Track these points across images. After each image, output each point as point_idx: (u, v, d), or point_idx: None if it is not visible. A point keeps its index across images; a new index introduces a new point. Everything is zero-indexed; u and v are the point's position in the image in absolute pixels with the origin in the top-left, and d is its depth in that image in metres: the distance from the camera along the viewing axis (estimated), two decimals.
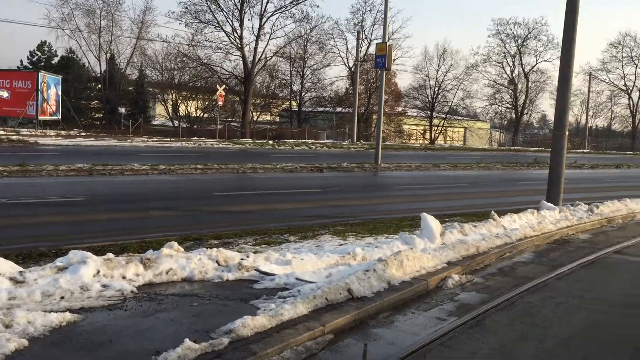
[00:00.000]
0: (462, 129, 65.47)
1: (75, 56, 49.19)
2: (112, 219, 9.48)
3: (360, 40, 47.52)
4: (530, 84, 63.03)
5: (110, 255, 5.58)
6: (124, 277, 5.23)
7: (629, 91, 70.45)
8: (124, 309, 4.60)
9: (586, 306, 5.70)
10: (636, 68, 69.23)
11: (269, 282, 5.52)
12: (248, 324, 4.14)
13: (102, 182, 13.89)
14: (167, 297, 5.00)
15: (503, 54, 61.83)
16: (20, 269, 4.94)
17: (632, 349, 4.60)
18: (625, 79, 69.98)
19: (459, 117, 64.22)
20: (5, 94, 29.60)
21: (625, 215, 11.94)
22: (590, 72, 68.11)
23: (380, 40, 29.33)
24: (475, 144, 61.19)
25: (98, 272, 5.13)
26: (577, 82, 67.73)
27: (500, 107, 66.26)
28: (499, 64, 62.39)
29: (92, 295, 4.78)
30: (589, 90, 68.57)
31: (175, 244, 6.10)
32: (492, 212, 9.41)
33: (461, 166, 26.02)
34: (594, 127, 78.53)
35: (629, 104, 71.50)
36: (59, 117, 36.94)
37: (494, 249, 7.80)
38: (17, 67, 47.74)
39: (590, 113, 72.54)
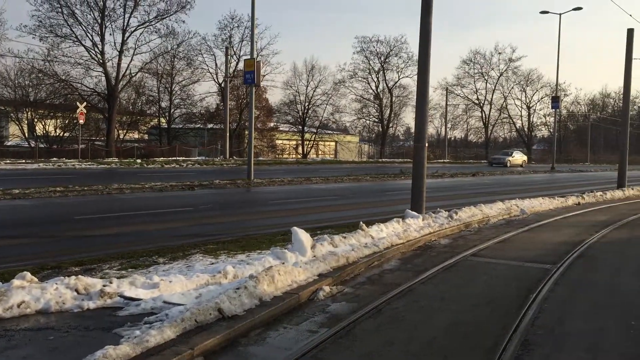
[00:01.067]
0: (333, 143, 67.41)
1: None
2: None
3: (230, 56, 47.47)
4: (394, 99, 66.47)
5: None
6: None
7: (481, 104, 76.84)
8: None
9: (448, 307, 6.05)
10: (486, 83, 75.82)
11: (135, 308, 5.27)
12: (110, 354, 3.91)
13: None
14: (19, 332, 4.60)
15: (368, 70, 64.73)
16: None
17: (491, 344, 4.94)
18: (478, 93, 76.35)
19: (329, 132, 66.04)
20: None
21: (480, 219, 12.89)
22: (447, 87, 73.56)
23: (248, 56, 29.43)
24: (346, 157, 63.19)
25: None
26: (436, 96, 72.94)
27: (367, 121, 69.25)
28: (365, 80, 65.21)
29: None
30: (446, 104, 73.83)
31: (27, 274, 5.63)
32: (361, 222, 9.73)
33: (333, 179, 26.72)
34: (452, 139, 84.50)
35: (482, 116, 77.89)
36: None
37: (363, 259, 8.05)
38: None
39: (449, 125, 78.04)
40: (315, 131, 61.36)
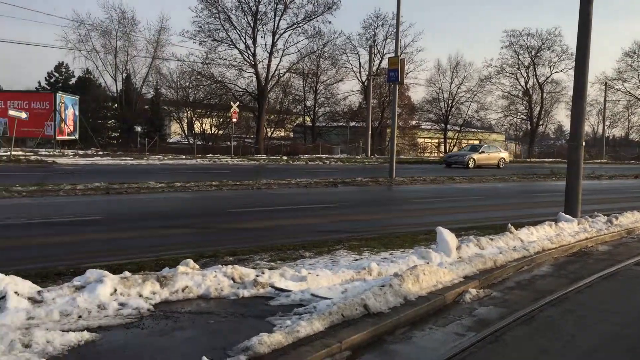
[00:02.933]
0: (477, 141, 65.26)
1: (92, 76, 50.08)
2: (128, 237, 9.54)
3: (373, 55, 47.76)
4: (545, 95, 62.71)
5: (127, 273, 5.61)
6: (140, 296, 5.25)
7: None
8: (141, 327, 4.61)
9: (608, 319, 5.61)
10: None
11: (285, 299, 5.52)
12: (264, 341, 4.13)
13: (119, 201, 14.01)
14: (184, 315, 5.01)
15: (517, 66, 61.67)
16: (39, 288, 4.98)
17: None
18: None
19: (473, 129, 64.04)
20: (23, 115, 30.06)
21: None
22: (606, 82, 67.57)
23: (392, 54, 29.42)
24: None
25: (115, 290, 5.16)
26: (593, 92, 67.17)
27: (515, 119, 65.99)
28: (513, 76, 62.21)
29: (109, 314, 4.80)
30: (605, 100, 68.01)
31: (191, 262, 6.12)
32: (509, 224, 9.33)
33: (477, 179, 25.87)
34: (611, 137, 77.77)
35: None
36: (77, 136, 37.45)
37: (512, 263, 7.71)
38: (36, 88, 48.63)
39: (607, 123, 71.89)
40: (459, 129, 59.85)
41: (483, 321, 5.40)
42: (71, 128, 36.15)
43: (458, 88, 58.16)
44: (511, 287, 6.84)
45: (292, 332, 4.39)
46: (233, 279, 5.90)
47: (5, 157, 25.96)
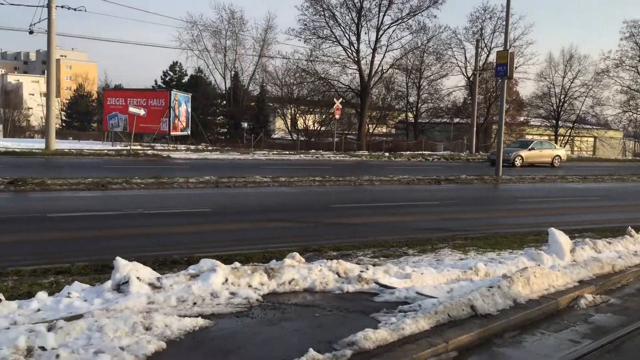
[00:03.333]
0: (592, 139, 61.40)
1: (202, 75, 52.62)
2: (236, 229, 9.93)
3: (479, 49, 46.21)
4: None
5: (236, 264, 5.84)
6: (249, 286, 5.45)
7: None
8: (251, 316, 4.79)
9: None
10: None
11: (389, 296, 5.50)
12: (370, 337, 4.15)
13: (227, 194, 14.61)
14: (290, 306, 5.14)
15: (638, 58, 57.24)
16: (158, 275, 5.30)
17: None
18: None
19: (587, 126, 60.31)
20: (142, 112, 32.16)
21: None
22: None
23: (500, 48, 28.38)
24: (606, 154, 57.05)
25: (226, 280, 5.39)
26: None
27: (635, 115, 61.31)
28: (633, 69, 57.74)
29: (221, 302, 5.02)
30: None
31: (297, 255, 6.26)
32: (629, 227, 8.71)
33: (591, 178, 24.37)
34: None
35: None
36: (189, 132, 39.44)
37: (632, 268, 7.20)
38: (152, 86, 51.85)
39: None
40: (571, 126, 56.61)
41: (600, 329, 5.09)
42: (184, 124, 38.11)
43: (572, 82, 54.95)
44: (631, 293, 6.39)
45: (397, 330, 4.37)
46: (338, 274, 5.97)
47: (125, 152, 27.88)
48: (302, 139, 46.27)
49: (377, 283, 5.84)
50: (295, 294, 5.54)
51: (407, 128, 54.77)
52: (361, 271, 6.04)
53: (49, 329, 3.89)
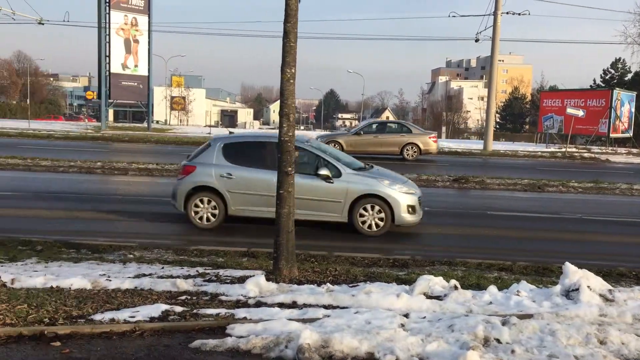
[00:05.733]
0: None
1: None
2: None
3: None
4: None
5: None
6: None
7: None
8: None
9: None
10: None
11: None
12: None
13: None
14: None
15: None
16: (610, 287, 4.96)
17: None
18: None
19: None
20: (580, 113, 30.84)
21: None
22: None
23: None
24: None
25: None
26: None
27: None
28: None
29: None
30: None
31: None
32: None
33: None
34: None
35: None
36: (631, 134, 35.90)
37: None
38: (590, 86, 49.20)
39: None
40: None
41: None
42: (625, 125, 34.82)
43: None
44: None
45: None
46: None
47: (560, 154, 27.16)
48: None
49: None
50: None
51: None
52: None
53: (503, 323, 4.07)
